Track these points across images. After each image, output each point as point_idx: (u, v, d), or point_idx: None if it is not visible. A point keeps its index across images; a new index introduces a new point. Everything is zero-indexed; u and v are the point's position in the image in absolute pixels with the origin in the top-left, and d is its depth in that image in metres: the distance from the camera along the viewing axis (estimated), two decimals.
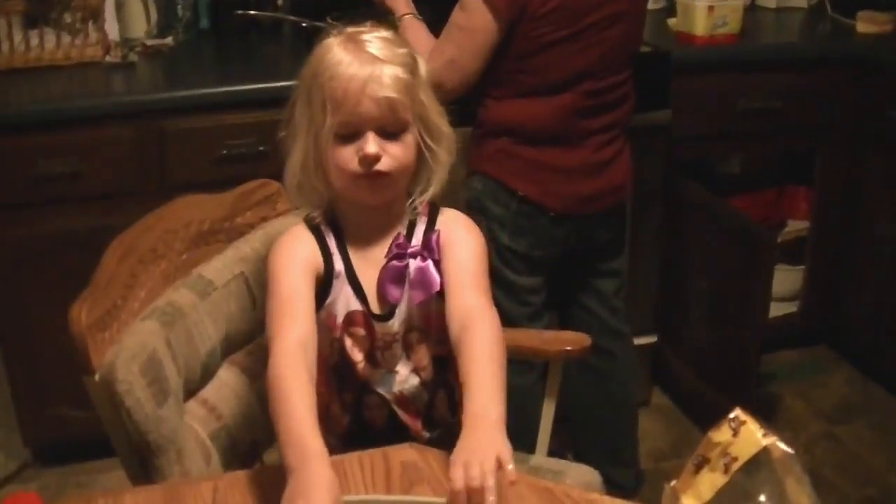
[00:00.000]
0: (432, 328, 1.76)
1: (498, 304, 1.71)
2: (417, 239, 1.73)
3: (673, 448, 3.20)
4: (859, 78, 3.31)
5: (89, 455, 3.02)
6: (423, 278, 1.70)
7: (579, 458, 2.71)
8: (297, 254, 1.68)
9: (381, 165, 1.62)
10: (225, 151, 2.86)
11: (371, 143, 1.60)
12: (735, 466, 1.26)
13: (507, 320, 2.47)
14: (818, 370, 3.62)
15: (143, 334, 1.67)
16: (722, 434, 1.27)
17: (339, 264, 1.71)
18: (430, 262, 1.70)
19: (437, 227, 1.74)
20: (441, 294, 1.70)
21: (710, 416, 1.32)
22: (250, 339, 1.97)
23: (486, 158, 2.56)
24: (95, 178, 2.83)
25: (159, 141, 2.85)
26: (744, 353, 3.05)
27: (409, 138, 1.65)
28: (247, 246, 1.95)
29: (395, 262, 1.70)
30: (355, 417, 1.80)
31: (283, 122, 1.70)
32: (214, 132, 2.86)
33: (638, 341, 3.08)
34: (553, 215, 2.57)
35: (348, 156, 1.62)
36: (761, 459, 1.25)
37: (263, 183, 2.04)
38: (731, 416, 1.28)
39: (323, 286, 1.70)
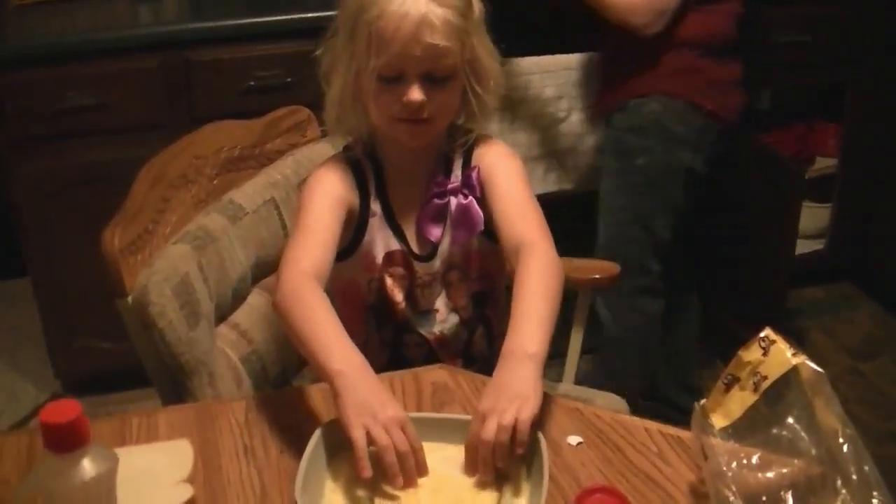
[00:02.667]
0: (472, 266, 1.75)
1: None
2: (456, 176, 1.70)
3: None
4: (890, 10, 3.26)
5: (119, 387, 3.05)
6: (466, 217, 1.68)
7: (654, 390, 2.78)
8: (330, 188, 1.66)
9: (424, 112, 1.58)
10: (252, 83, 2.85)
11: (415, 91, 1.56)
12: (765, 385, 1.26)
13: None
14: (844, 307, 3.62)
15: (175, 258, 1.68)
16: (752, 353, 1.28)
17: (375, 204, 1.69)
18: (472, 200, 1.67)
19: (474, 163, 1.70)
20: (482, 232, 1.69)
21: (736, 351, 1.31)
22: None
23: (664, 77, 2.44)
24: (122, 110, 2.83)
25: (186, 72, 2.84)
26: (771, 287, 3.04)
27: (455, 84, 1.61)
28: (277, 172, 1.95)
29: (435, 201, 1.68)
30: (394, 355, 1.80)
31: (322, 42, 1.65)
32: (242, 63, 2.85)
33: None
34: (720, 129, 2.49)
35: (390, 99, 1.58)
36: (791, 379, 1.26)
37: (293, 110, 2.04)
38: (762, 335, 1.29)
39: (357, 226, 1.69)
